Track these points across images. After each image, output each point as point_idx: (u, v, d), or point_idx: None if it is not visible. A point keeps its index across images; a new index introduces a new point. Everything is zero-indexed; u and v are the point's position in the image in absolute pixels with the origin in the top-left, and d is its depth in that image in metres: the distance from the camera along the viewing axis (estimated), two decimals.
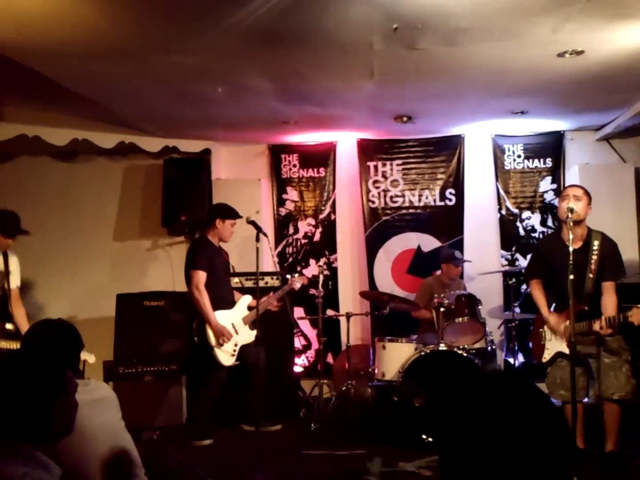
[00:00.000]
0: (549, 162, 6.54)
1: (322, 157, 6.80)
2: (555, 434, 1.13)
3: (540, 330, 4.38)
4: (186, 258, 5.18)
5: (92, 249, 6.82)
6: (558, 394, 4.17)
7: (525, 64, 4.33)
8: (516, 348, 5.82)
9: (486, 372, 2.88)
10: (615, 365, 4.08)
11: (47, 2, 3.19)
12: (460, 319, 5.16)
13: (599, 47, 3.99)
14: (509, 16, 3.48)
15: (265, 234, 4.89)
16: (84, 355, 4.37)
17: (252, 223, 4.78)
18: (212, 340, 4.95)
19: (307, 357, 6.61)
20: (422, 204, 6.68)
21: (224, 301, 5.15)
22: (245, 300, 5.29)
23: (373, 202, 6.71)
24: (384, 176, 6.72)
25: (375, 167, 6.73)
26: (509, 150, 6.61)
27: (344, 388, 5.56)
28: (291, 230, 6.83)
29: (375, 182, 6.72)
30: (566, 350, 4.12)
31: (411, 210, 6.69)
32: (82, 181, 6.85)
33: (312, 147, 6.79)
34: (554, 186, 6.50)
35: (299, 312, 6.53)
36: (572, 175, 6.33)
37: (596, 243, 4.13)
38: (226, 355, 5.01)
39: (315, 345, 6.57)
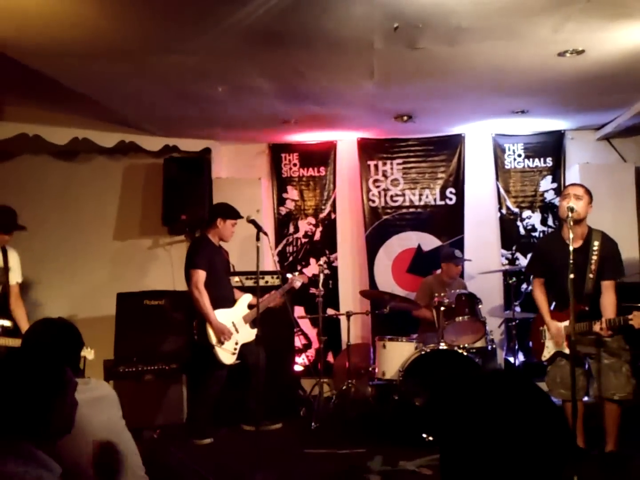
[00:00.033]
0: (550, 162, 6.54)
1: (323, 156, 6.80)
2: (556, 433, 1.13)
3: (541, 328, 4.38)
4: (186, 257, 5.18)
5: (92, 248, 6.82)
6: (558, 392, 4.17)
7: (525, 64, 4.33)
8: (516, 347, 5.81)
9: (486, 371, 2.88)
10: (615, 365, 4.08)
11: (47, 1, 3.19)
12: (460, 318, 5.16)
13: (600, 46, 3.99)
14: (510, 15, 3.48)
15: (265, 233, 4.89)
16: (83, 352, 4.37)
17: (253, 222, 4.78)
18: (213, 338, 4.95)
19: (307, 356, 6.62)
20: (422, 203, 6.68)
21: (224, 300, 5.15)
22: (246, 299, 5.30)
23: (373, 201, 6.71)
24: (385, 175, 6.72)
25: (376, 166, 6.73)
26: (509, 150, 6.61)
27: (344, 387, 5.56)
28: (291, 229, 6.83)
29: (375, 181, 6.72)
30: (566, 350, 4.13)
31: (411, 210, 6.69)
32: (83, 180, 6.85)
33: (313, 146, 6.79)
34: (555, 185, 6.50)
35: (299, 311, 6.54)
36: (572, 174, 6.33)
37: (596, 243, 4.13)
38: (227, 354, 5.02)
39: (315, 344, 6.57)
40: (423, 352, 4.91)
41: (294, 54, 4.07)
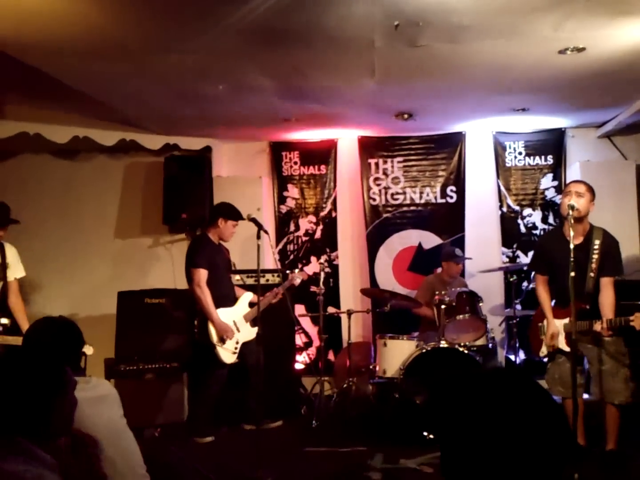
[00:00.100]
0: (550, 159, 6.53)
1: (323, 154, 6.80)
2: (557, 431, 1.13)
3: (540, 324, 4.37)
4: (186, 256, 5.18)
5: (93, 247, 6.83)
6: (556, 390, 4.17)
7: (526, 61, 4.33)
8: (517, 345, 5.81)
9: (487, 369, 2.88)
10: (613, 370, 4.07)
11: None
12: (461, 316, 5.16)
13: (601, 44, 3.98)
14: (511, 13, 3.47)
15: (266, 232, 4.88)
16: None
17: (253, 220, 4.78)
18: (214, 337, 4.95)
19: (308, 355, 6.62)
20: (423, 201, 6.67)
21: (225, 299, 5.15)
22: (247, 298, 5.30)
23: (374, 200, 6.71)
24: (385, 173, 6.71)
25: (376, 164, 6.72)
26: (510, 148, 6.60)
27: (345, 385, 5.57)
28: (292, 227, 6.83)
29: (376, 179, 6.72)
30: (565, 347, 4.13)
31: (412, 208, 6.69)
32: (83, 179, 6.85)
33: (313, 145, 6.79)
34: (555, 183, 6.50)
35: (300, 309, 6.54)
36: (573, 172, 6.32)
37: (597, 242, 4.10)
38: (227, 353, 5.02)
39: (316, 342, 6.57)
40: (424, 350, 4.91)
41: (294, 52, 4.07)
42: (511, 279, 5.90)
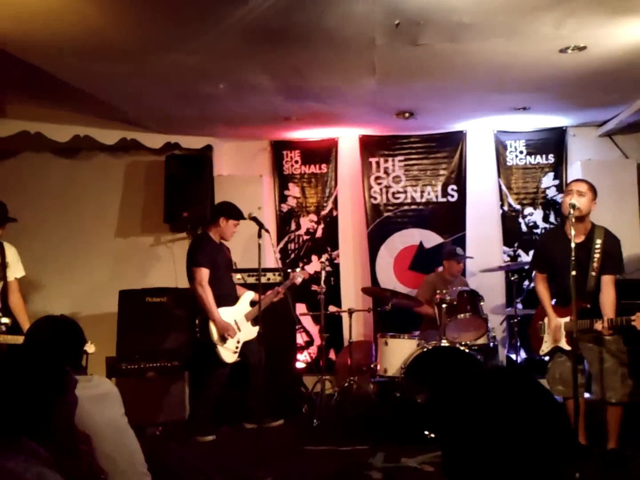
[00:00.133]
0: (551, 158, 6.53)
1: (324, 153, 6.80)
2: (557, 430, 1.13)
3: (540, 322, 4.37)
4: (188, 255, 5.18)
5: (94, 246, 6.83)
6: (557, 389, 4.17)
7: (527, 60, 4.33)
8: (518, 344, 5.81)
9: (488, 368, 2.89)
10: (611, 369, 4.06)
11: None
12: (462, 315, 5.17)
13: (602, 42, 3.98)
14: (512, 12, 3.47)
15: (267, 230, 4.87)
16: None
17: (254, 219, 4.77)
18: (215, 337, 4.96)
19: (309, 354, 6.61)
20: (424, 200, 6.67)
21: (226, 298, 5.15)
22: (248, 296, 5.30)
23: (375, 198, 6.71)
24: (386, 172, 6.71)
25: (377, 163, 6.72)
26: (511, 146, 6.60)
27: (346, 384, 5.57)
28: (293, 226, 6.84)
29: (377, 178, 6.72)
30: (565, 347, 4.13)
31: (413, 207, 6.69)
32: (84, 178, 6.85)
33: (314, 144, 6.79)
34: (556, 182, 6.49)
35: (301, 308, 6.54)
36: (574, 171, 6.31)
37: (599, 241, 4.09)
38: (228, 352, 5.02)
39: (317, 341, 6.57)
40: (425, 349, 4.91)
41: (294, 52, 4.07)
42: (512, 278, 5.89)
